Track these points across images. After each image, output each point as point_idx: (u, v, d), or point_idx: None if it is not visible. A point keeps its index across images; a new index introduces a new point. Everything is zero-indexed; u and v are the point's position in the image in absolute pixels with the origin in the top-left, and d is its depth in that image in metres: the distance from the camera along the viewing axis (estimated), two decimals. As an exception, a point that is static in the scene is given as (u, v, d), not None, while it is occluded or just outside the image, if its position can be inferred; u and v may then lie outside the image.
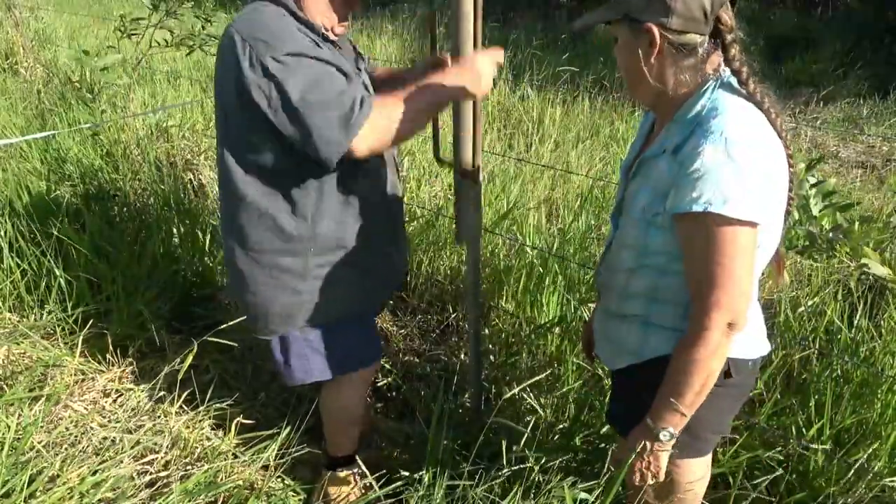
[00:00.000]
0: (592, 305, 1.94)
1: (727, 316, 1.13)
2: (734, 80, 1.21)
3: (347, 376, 1.86)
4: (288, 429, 1.90)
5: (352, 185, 1.62)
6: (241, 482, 1.86)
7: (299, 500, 2.03)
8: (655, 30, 1.17)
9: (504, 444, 1.74)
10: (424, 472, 1.69)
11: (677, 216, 1.16)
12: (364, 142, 1.43)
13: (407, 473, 1.72)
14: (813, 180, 1.56)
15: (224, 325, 1.98)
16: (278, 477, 2.00)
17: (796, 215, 1.58)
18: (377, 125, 1.44)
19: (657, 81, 1.22)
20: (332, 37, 1.58)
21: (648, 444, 1.27)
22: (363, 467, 2.00)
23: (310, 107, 1.40)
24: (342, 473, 2.02)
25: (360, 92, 1.46)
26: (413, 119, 1.48)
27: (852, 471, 1.82)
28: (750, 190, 1.10)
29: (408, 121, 1.47)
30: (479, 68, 1.53)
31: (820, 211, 1.55)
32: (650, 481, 1.32)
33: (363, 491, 1.99)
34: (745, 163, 1.10)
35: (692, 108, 1.19)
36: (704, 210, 1.09)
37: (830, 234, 1.56)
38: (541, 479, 1.62)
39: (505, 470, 1.65)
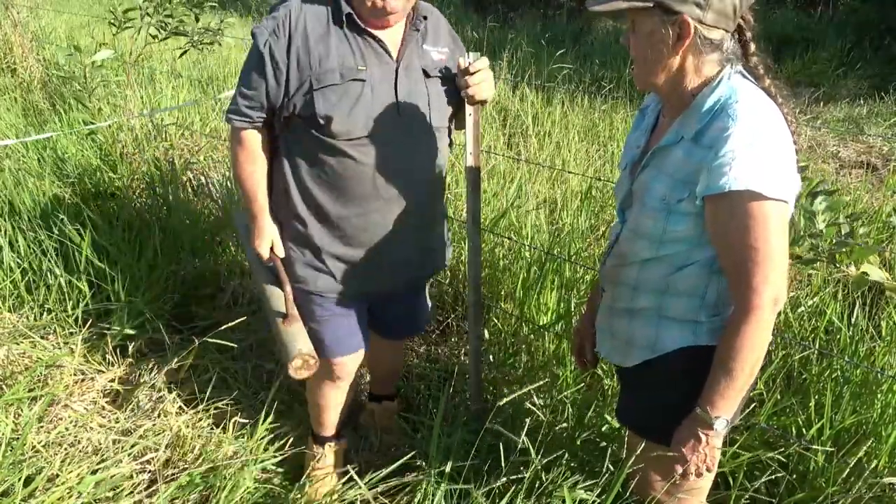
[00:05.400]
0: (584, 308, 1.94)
1: (773, 292, 1.14)
2: (744, 70, 1.24)
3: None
4: (282, 426, 1.91)
5: (321, 157, 1.66)
6: (236, 476, 1.86)
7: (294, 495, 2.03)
8: (691, 22, 1.17)
9: (504, 445, 1.74)
10: (424, 471, 1.69)
11: (711, 198, 1.17)
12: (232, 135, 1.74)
13: (406, 473, 1.72)
14: (820, 200, 1.55)
15: (224, 326, 1.98)
16: (274, 470, 2.00)
17: (801, 223, 1.58)
18: (232, 144, 1.75)
19: (678, 72, 1.24)
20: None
21: (704, 436, 1.26)
22: (332, 450, 2.09)
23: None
24: (315, 447, 2.09)
25: (244, 104, 1.67)
26: (234, 169, 1.78)
27: (848, 470, 1.82)
28: (781, 171, 1.14)
29: (234, 167, 1.78)
30: (254, 246, 1.80)
31: (827, 226, 1.55)
32: (704, 474, 1.31)
33: (334, 471, 2.04)
34: (774, 146, 1.14)
35: (709, 97, 1.20)
36: (745, 189, 1.11)
37: (834, 247, 1.56)
38: (543, 478, 1.62)
39: (505, 471, 1.65)
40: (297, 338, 1.75)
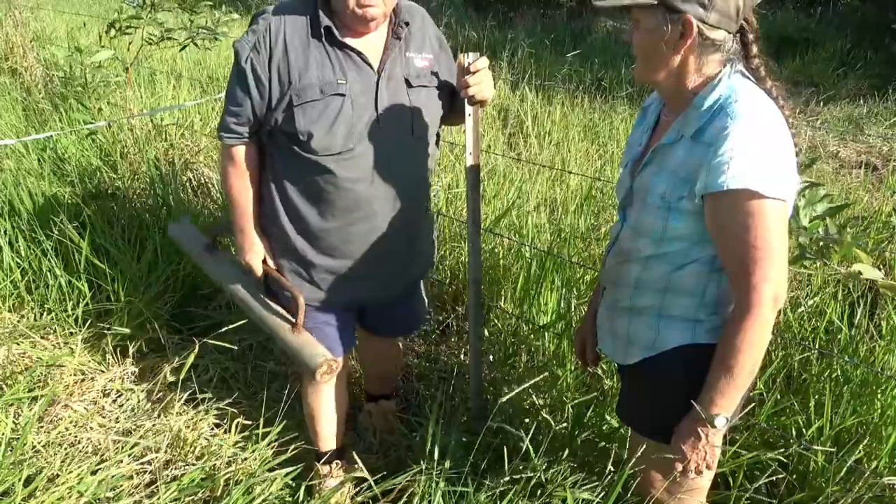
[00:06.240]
0: (584, 307, 1.94)
1: (773, 290, 1.15)
2: (743, 69, 1.25)
3: None
4: (282, 426, 1.91)
5: (303, 171, 1.66)
6: (236, 476, 1.86)
7: (291, 493, 2.03)
8: (693, 21, 1.18)
9: (503, 445, 1.73)
10: (423, 472, 1.69)
11: (711, 196, 1.17)
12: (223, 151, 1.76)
13: (406, 474, 1.72)
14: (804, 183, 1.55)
15: (224, 327, 1.98)
16: (272, 470, 2.00)
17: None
18: (223, 160, 1.76)
19: (679, 71, 1.24)
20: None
21: (703, 434, 1.27)
22: (340, 471, 2.06)
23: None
24: (321, 466, 2.07)
25: (232, 121, 1.68)
26: (225, 184, 1.78)
27: (846, 469, 1.82)
28: (779, 170, 1.14)
29: (224, 182, 1.79)
30: (247, 260, 1.82)
31: (810, 221, 1.55)
32: (704, 472, 1.32)
33: (350, 486, 2.00)
34: (773, 145, 1.15)
35: (710, 96, 1.21)
36: (744, 187, 1.12)
37: (821, 243, 1.56)
38: (543, 478, 1.62)
39: (506, 472, 1.65)
40: (314, 344, 1.75)
